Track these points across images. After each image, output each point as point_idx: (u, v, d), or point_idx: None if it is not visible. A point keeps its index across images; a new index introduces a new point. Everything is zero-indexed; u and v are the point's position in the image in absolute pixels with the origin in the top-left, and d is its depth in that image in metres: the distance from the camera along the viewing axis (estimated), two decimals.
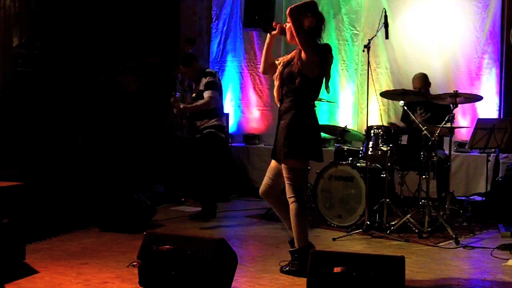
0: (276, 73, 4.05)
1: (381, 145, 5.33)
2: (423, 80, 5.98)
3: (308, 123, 4.01)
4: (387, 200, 5.23)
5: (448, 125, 5.20)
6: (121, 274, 3.84)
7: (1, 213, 3.75)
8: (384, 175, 5.33)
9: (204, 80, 5.75)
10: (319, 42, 3.98)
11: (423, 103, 5.84)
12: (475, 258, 4.52)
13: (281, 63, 4.04)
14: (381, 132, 5.35)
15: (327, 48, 3.98)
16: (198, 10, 8.14)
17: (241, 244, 4.89)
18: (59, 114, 6.01)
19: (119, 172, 6.38)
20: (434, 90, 6.22)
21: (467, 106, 6.83)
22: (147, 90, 7.09)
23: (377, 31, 5.26)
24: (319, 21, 3.97)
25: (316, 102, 6.27)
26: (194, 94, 5.91)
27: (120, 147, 6.67)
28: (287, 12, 3.91)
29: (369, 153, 5.38)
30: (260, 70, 4.27)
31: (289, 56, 4.05)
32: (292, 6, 3.91)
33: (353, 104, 7.60)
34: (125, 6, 6.80)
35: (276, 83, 4.05)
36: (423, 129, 5.26)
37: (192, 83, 7.09)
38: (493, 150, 5.79)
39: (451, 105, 5.25)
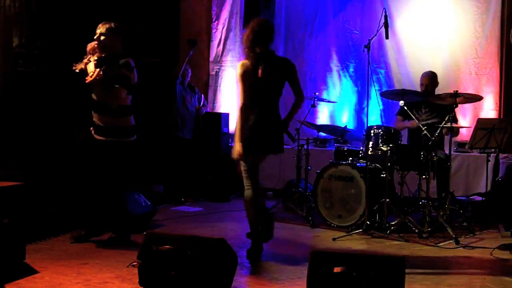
0: None
1: (381, 145, 5.33)
2: (431, 78, 5.96)
3: None
4: (387, 200, 5.23)
5: (448, 125, 5.21)
6: (121, 274, 3.84)
7: (1, 213, 3.75)
8: (384, 175, 5.33)
9: (116, 69, 4.56)
10: (257, 50, 4.24)
11: (429, 103, 5.83)
12: (475, 258, 4.52)
13: None
14: (381, 132, 5.35)
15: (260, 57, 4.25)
16: (198, 10, 8.13)
17: (241, 244, 4.89)
18: (60, 114, 6.01)
19: (119, 172, 6.37)
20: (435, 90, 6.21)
21: (467, 106, 6.84)
22: (147, 90, 7.09)
23: (377, 31, 5.26)
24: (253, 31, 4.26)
25: (316, 102, 6.31)
26: (80, 67, 4.60)
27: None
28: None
29: (369, 153, 5.38)
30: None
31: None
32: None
33: (353, 104, 7.61)
34: (125, 6, 6.79)
35: None
36: (423, 129, 5.26)
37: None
38: (493, 150, 5.79)
39: (453, 105, 5.24)
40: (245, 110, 4.24)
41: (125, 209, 4.91)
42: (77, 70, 4.58)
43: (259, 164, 4.48)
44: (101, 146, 4.65)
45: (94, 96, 4.63)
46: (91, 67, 4.49)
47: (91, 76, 4.37)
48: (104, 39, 4.51)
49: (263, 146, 4.35)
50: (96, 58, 4.52)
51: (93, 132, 4.68)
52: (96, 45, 4.59)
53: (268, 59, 4.30)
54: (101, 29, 4.53)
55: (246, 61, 4.29)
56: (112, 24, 4.56)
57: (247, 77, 4.24)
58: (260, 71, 4.22)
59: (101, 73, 4.36)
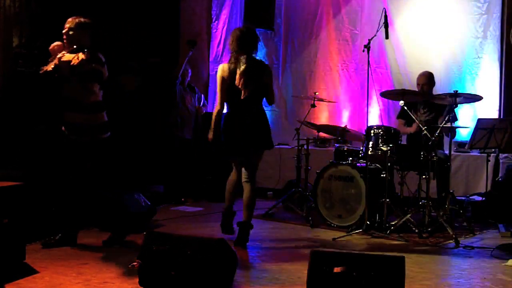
0: None
1: (381, 145, 5.33)
2: (428, 78, 5.97)
3: None
4: (387, 200, 5.23)
5: (448, 125, 5.21)
6: (121, 274, 3.84)
7: (1, 213, 3.75)
8: (384, 175, 5.32)
9: (87, 64, 4.42)
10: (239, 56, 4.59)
11: (427, 103, 5.84)
12: (475, 258, 4.52)
13: None
14: (381, 132, 5.35)
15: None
16: (198, 10, 8.14)
17: None
18: (60, 113, 6.00)
19: (119, 172, 6.37)
20: (434, 90, 6.21)
21: (467, 106, 6.84)
22: (147, 90, 7.09)
23: (377, 31, 5.26)
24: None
25: (316, 102, 6.32)
26: (52, 65, 4.46)
27: (120, 146, 6.66)
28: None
29: (369, 153, 5.38)
30: None
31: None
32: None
33: (353, 104, 7.61)
34: (125, 6, 6.79)
35: None
36: (423, 129, 5.26)
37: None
38: (493, 150, 5.79)
39: (452, 105, 5.25)
40: (218, 115, 4.66)
41: (123, 208, 4.91)
42: (49, 69, 4.47)
43: (249, 160, 4.74)
44: (77, 146, 4.53)
45: (66, 94, 4.51)
46: (69, 56, 4.39)
47: (77, 58, 4.26)
48: (72, 33, 4.47)
49: (235, 148, 4.66)
50: (69, 50, 4.44)
51: (66, 132, 4.56)
52: (65, 40, 4.52)
53: (247, 65, 4.54)
54: (70, 23, 4.50)
55: (225, 64, 4.66)
56: (81, 19, 4.53)
57: (223, 81, 4.60)
58: (237, 80, 4.53)
59: (85, 54, 4.26)
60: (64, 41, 4.53)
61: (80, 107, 4.51)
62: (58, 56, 4.47)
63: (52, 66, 4.44)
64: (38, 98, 5.70)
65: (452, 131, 5.46)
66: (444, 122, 5.24)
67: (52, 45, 4.60)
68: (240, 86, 4.49)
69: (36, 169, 5.36)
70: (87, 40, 4.52)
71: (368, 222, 5.17)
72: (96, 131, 4.57)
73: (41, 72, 4.55)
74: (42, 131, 4.66)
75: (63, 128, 4.59)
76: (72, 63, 4.33)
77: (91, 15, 6.10)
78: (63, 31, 4.51)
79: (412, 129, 5.82)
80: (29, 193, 4.26)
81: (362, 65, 7.42)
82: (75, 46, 4.45)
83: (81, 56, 4.33)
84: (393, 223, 5.21)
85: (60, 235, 4.62)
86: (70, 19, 4.53)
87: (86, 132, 4.53)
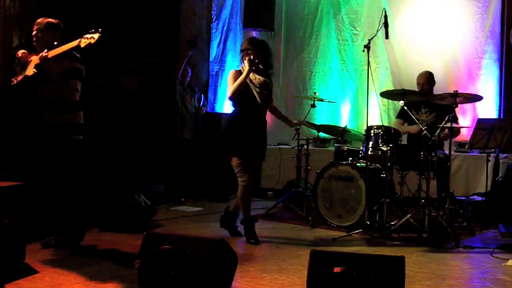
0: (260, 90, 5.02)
1: (381, 145, 5.33)
2: (427, 77, 5.96)
3: None
4: (387, 200, 5.23)
5: (448, 125, 5.21)
6: (121, 274, 3.84)
7: (1, 213, 3.75)
8: (384, 175, 5.32)
9: (68, 63, 4.42)
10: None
11: (428, 103, 5.84)
12: (475, 258, 4.52)
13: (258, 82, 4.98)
14: (381, 132, 5.35)
15: None
16: (198, 10, 8.14)
17: (241, 244, 4.89)
18: (38, 116, 5.99)
19: (119, 172, 6.37)
20: (434, 90, 6.22)
21: (467, 106, 6.84)
22: (147, 90, 7.09)
23: (377, 31, 5.26)
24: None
25: (316, 102, 6.33)
26: (33, 69, 4.39)
27: (120, 146, 6.66)
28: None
29: (369, 153, 5.37)
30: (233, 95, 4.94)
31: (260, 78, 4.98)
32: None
33: (353, 104, 7.61)
34: (125, 6, 6.79)
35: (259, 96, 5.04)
36: (423, 129, 5.26)
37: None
38: (493, 150, 5.79)
39: (454, 106, 5.24)
40: None
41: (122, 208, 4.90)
42: (30, 74, 4.40)
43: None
44: (60, 147, 4.45)
45: (50, 95, 4.43)
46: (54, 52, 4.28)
47: (90, 37, 4.03)
48: (41, 35, 4.45)
49: None
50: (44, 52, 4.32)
51: (51, 135, 4.47)
52: (34, 43, 4.49)
53: None
54: (38, 25, 4.48)
55: None
56: (50, 20, 4.50)
57: None
58: None
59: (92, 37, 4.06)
60: (34, 43, 4.49)
61: (64, 107, 4.45)
62: (34, 59, 4.41)
63: (34, 70, 4.37)
64: (31, 99, 5.71)
65: (454, 131, 5.45)
66: (444, 122, 5.24)
67: (19, 52, 4.56)
68: None
69: (34, 169, 5.36)
70: (58, 41, 4.43)
71: (368, 222, 5.17)
72: (78, 131, 4.52)
73: (13, 83, 4.51)
74: (36, 130, 4.63)
75: (43, 130, 4.51)
76: (84, 43, 4.09)
77: (91, 15, 6.11)
78: (33, 33, 4.48)
79: (413, 130, 5.81)
80: (29, 193, 4.25)
81: (362, 65, 7.43)
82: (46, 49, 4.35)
83: (88, 38, 4.11)
84: (393, 223, 5.21)
85: (59, 235, 4.60)
86: (38, 20, 4.51)
87: (70, 132, 4.48)
